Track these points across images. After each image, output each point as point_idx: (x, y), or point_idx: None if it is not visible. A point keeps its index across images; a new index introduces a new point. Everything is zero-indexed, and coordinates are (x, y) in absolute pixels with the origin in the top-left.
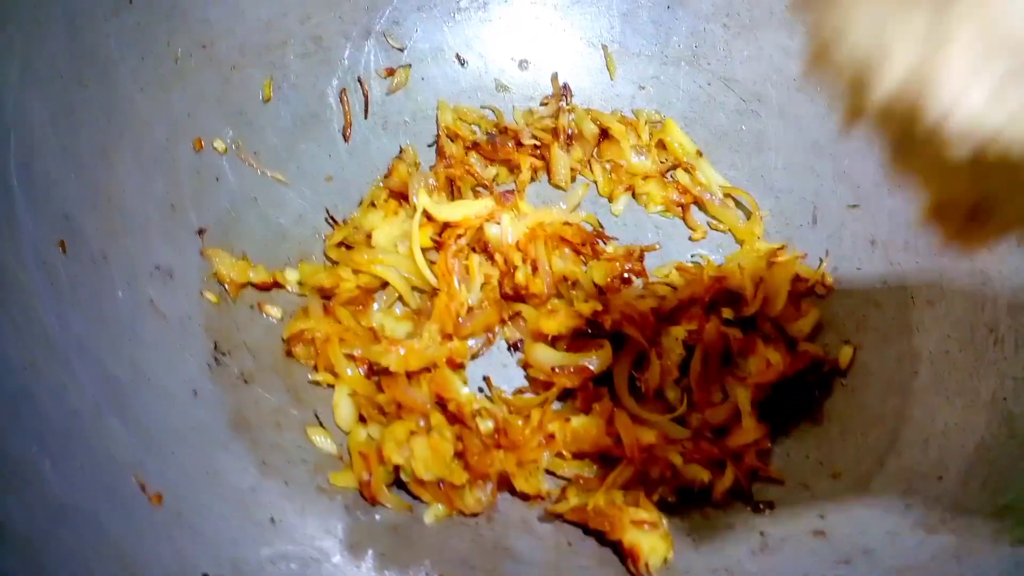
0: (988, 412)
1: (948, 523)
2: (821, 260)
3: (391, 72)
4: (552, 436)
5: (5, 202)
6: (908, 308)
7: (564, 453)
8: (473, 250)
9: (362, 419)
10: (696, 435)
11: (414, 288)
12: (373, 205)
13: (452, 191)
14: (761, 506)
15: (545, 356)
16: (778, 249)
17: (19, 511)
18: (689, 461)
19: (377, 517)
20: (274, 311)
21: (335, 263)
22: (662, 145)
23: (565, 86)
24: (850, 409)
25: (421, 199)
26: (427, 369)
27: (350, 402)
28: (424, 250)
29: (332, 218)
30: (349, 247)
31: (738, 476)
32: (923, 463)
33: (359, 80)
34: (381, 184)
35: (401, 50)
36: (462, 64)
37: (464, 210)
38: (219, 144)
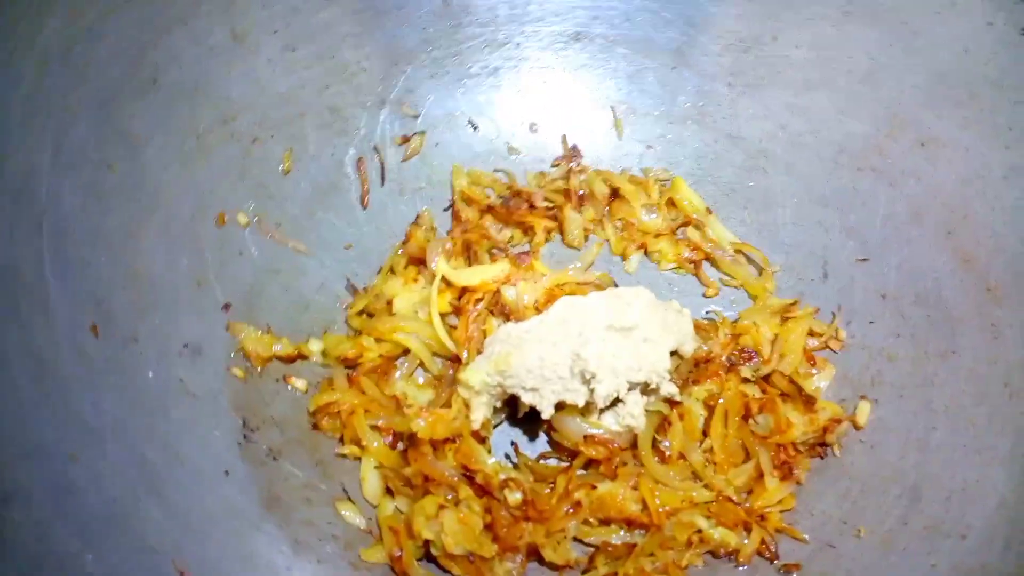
0: (1007, 469)
1: None
2: (834, 315)
3: (406, 139)
4: (579, 504)
5: (39, 291)
6: (922, 362)
7: (591, 520)
8: (491, 313)
9: (389, 491)
10: (720, 497)
11: (435, 354)
12: (392, 272)
13: (469, 254)
14: (788, 567)
15: (575, 425)
16: (791, 304)
17: None
18: (715, 524)
19: None
20: (299, 383)
21: (357, 332)
22: (672, 203)
23: (574, 147)
24: (871, 466)
25: (440, 266)
26: (452, 439)
27: (377, 475)
28: (444, 315)
29: (353, 286)
30: (371, 315)
31: (764, 538)
32: (946, 521)
33: (375, 148)
34: (400, 251)
35: (415, 117)
36: (474, 129)
37: (481, 275)
38: (242, 218)
